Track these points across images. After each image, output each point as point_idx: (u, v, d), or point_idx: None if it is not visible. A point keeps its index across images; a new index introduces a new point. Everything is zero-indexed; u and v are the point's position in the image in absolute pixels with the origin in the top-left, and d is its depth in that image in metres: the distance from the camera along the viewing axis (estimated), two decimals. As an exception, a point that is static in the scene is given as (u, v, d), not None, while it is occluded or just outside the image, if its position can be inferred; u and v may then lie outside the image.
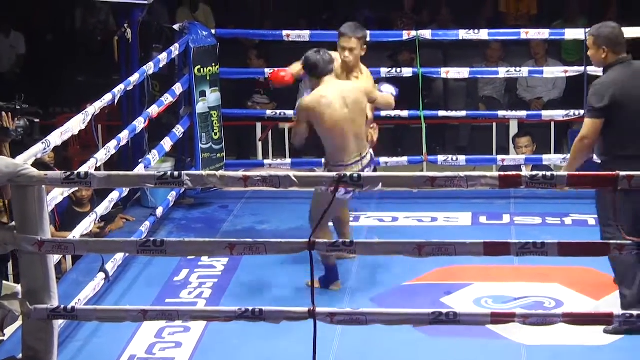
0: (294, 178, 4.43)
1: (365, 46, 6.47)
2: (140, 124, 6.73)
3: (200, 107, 7.76)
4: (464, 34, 7.95)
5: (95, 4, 9.95)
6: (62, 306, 4.76)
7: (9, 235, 4.67)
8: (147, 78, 7.13)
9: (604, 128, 5.39)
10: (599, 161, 5.57)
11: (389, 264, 6.37)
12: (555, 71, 8.48)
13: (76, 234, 5.74)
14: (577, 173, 4.43)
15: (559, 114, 8.25)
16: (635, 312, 4.61)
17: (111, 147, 6.16)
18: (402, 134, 10.52)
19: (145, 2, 7.42)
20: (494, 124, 10.06)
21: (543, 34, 8.10)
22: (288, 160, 8.44)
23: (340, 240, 5.09)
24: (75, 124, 5.64)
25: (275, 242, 4.59)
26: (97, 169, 5.75)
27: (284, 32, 8.03)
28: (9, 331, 5.47)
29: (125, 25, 7.46)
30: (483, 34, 8.00)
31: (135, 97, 7.42)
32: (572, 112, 8.01)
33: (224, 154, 8.00)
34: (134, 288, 6.30)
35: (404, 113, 8.07)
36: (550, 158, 8.13)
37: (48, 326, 4.79)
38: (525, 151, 8.57)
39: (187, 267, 6.53)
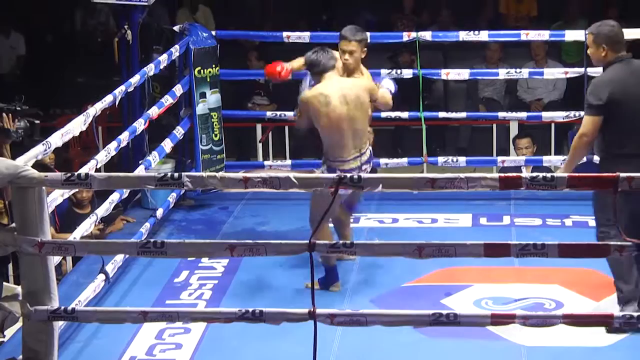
0: (294, 179, 4.43)
1: (365, 49, 6.48)
2: (140, 125, 6.73)
3: (201, 108, 7.76)
4: (464, 36, 7.95)
5: (96, 5, 9.92)
6: (63, 307, 4.75)
7: (10, 237, 4.67)
8: (147, 79, 7.13)
9: (602, 126, 5.38)
10: (598, 160, 5.57)
11: (389, 265, 6.36)
12: (555, 72, 8.47)
13: (76, 235, 5.73)
14: (578, 174, 4.42)
15: (559, 115, 8.25)
16: (635, 314, 4.61)
17: (111, 148, 6.15)
18: (402, 135, 10.52)
19: (146, 4, 7.43)
20: (494, 125, 10.06)
21: (543, 35, 8.10)
22: (288, 162, 8.43)
23: (341, 242, 5.09)
24: (76, 126, 5.64)
25: (275, 243, 4.59)
26: (98, 170, 5.75)
27: (284, 34, 8.03)
28: (9, 332, 5.47)
29: (126, 27, 7.47)
30: (483, 36, 7.99)
31: (136, 99, 7.42)
32: (572, 113, 8.00)
33: (224, 155, 7.99)
34: (134, 289, 6.30)
35: (404, 114, 8.07)
36: (551, 159, 8.13)
37: (48, 327, 4.78)
38: (526, 152, 8.57)
39: (187, 269, 6.53)
